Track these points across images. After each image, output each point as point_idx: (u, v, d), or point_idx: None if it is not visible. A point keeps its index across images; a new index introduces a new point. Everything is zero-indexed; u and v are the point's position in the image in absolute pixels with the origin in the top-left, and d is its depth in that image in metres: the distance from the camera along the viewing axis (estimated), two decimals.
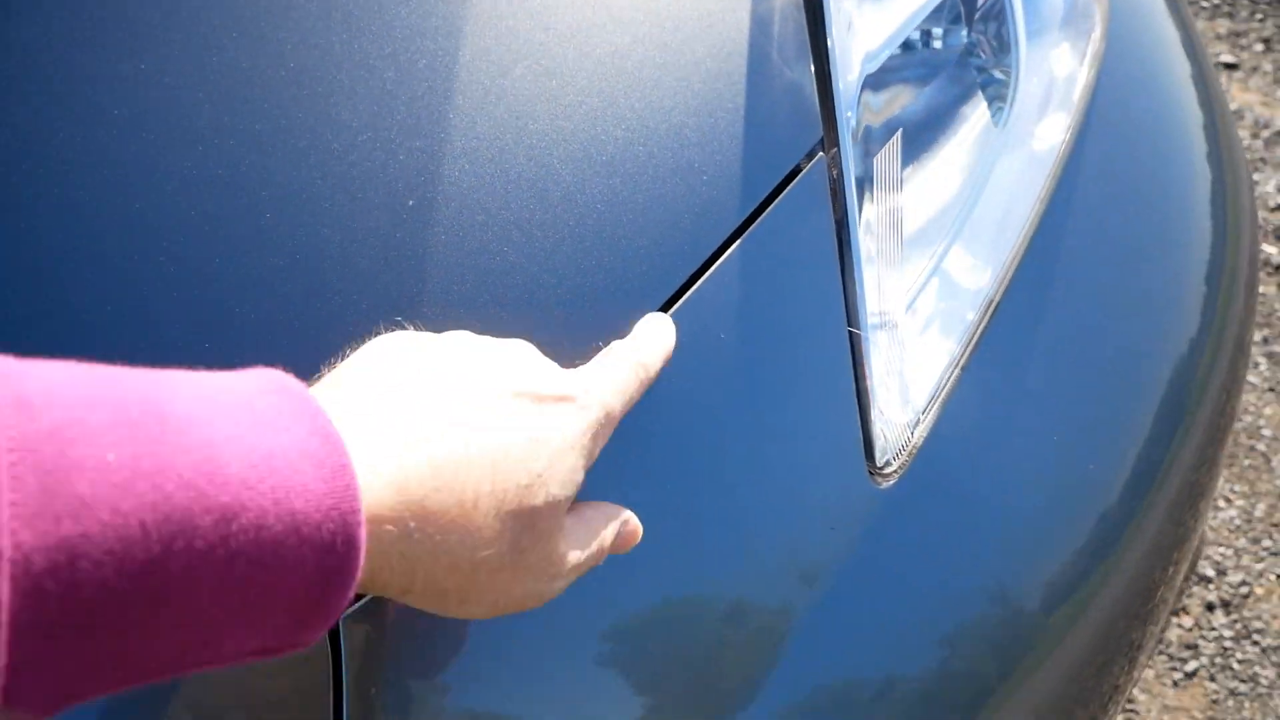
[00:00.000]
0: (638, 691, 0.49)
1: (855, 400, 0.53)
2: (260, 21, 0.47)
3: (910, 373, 0.55)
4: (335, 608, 0.31)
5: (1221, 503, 1.53)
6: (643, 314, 0.48)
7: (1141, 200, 0.67)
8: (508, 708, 0.46)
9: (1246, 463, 1.58)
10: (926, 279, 0.59)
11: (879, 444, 0.53)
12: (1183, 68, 0.75)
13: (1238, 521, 1.51)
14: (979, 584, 0.56)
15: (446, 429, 0.35)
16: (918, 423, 0.54)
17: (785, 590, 0.51)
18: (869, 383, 0.53)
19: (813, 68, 0.56)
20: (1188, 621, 1.41)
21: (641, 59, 0.53)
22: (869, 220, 0.55)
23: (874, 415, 0.53)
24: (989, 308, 0.58)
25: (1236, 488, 1.55)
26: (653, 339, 0.46)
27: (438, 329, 0.44)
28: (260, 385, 0.32)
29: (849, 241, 0.54)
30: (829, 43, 0.56)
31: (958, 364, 0.56)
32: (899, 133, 0.57)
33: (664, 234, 0.51)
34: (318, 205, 0.45)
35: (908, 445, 0.54)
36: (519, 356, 0.41)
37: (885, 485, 0.53)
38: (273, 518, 0.29)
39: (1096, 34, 0.69)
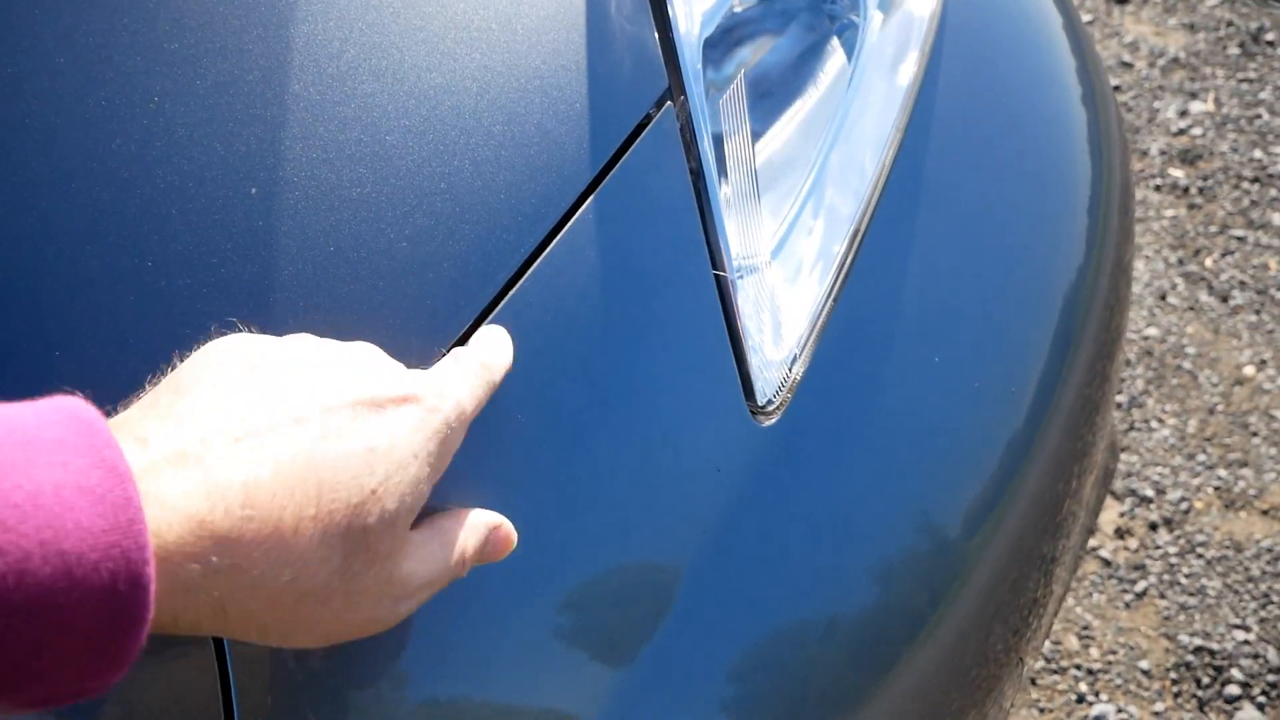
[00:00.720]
0: (545, 661, 0.49)
1: (729, 343, 0.53)
2: (85, 20, 0.46)
3: (783, 310, 0.55)
4: (127, 653, 0.29)
5: (1154, 423, 1.56)
6: (505, 277, 0.48)
7: (1004, 121, 0.68)
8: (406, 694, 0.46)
9: (1174, 382, 1.61)
10: (792, 219, 0.59)
11: (758, 383, 0.53)
12: None
13: (1172, 440, 1.54)
14: (877, 515, 0.56)
15: (268, 447, 0.33)
16: (794, 359, 0.55)
17: (681, 540, 0.51)
18: (740, 323, 0.53)
19: (653, 18, 0.56)
20: (1133, 543, 1.43)
21: (478, 22, 0.53)
22: (725, 165, 0.55)
23: (749, 355, 0.53)
24: (855, 238, 0.58)
25: (1167, 407, 1.58)
26: (494, 344, 0.44)
27: (280, 324, 0.43)
28: (48, 416, 0.30)
29: (705, 188, 0.54)
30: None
31: (830, 296, 0.57)
32: (741, 74, 0.57)
33: (516, 195, 0.50)
34: (152, 199, 0.44)
35: (787, 381, 0.54)
36: (359, 360, 0.38)
37: (768, 423, 0.53)
38: (38, 560, 0.27)
39: None
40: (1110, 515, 1.46)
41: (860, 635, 0.57)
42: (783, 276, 0.57)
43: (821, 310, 0.56)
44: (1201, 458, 1.52)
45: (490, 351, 0.43)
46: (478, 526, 0.41)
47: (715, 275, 0.53)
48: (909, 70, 0.66)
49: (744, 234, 0.56)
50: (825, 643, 0.55)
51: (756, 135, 0.61)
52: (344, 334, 0.43)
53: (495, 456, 0.47)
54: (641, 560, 0.51)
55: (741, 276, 0.55)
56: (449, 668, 0.46)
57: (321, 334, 0.42)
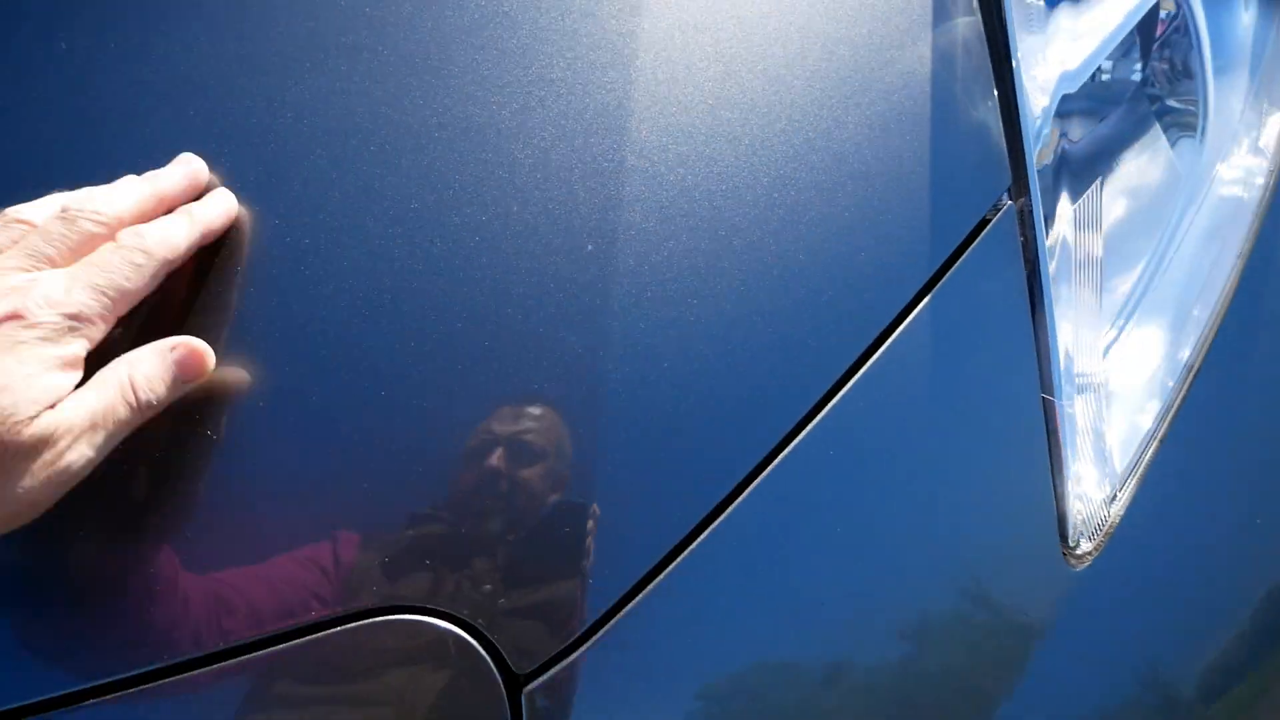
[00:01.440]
0: None
1: (1049, 473, 0.48)
2: None
3: (1108, 443, 0.51)
4: None
5: None
6: (832, 378, 0.45)
7: None
8: None
9: None
10: (1119, 339, 0.54)
11: (1072, 521, 0.48)
12: None
13: None
14: (1185, 679, 0.51)
15: None
16: (1114, 498, 0.50)
17: (982, 674, 0.47)
18: (1063, 453, 0.49)
19: (997, 104, 0.52)
20: None
21: (820, 101, 0.49)
22: (1064, 274, 0.51)
23: (1068, 489, 0.48)
24: (1189, 373, 0.53)
25: None
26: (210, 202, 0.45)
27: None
28: None
29: (1041, 299, 0.50)
30: (1015, 73, 0.52)
31: (1155, 436, 0.52)
32: (1100, 179, 0.53)
33: (853, 292, 0.47)
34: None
35: (1104, 523, 0.49)
36: None
37: (1079, 567, 0.48)
38: None
39: None
40: None
41: None
42: (1109, 399, 0.52)
43: (1146, 449, 0.51)
44: None
45: (203, 208, 0.45)
46: (143, 355, 0.41)
47: (1043, 398, 0.49)
48: (1251, 181, 0.60)
49: (1077, 351, 0.51)
50: None
51: (1093, 229, 0.57)
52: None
53: (808, 547, 0.44)
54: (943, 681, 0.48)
55: (1071, 395, 0.50)
56: None
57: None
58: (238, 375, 0.43)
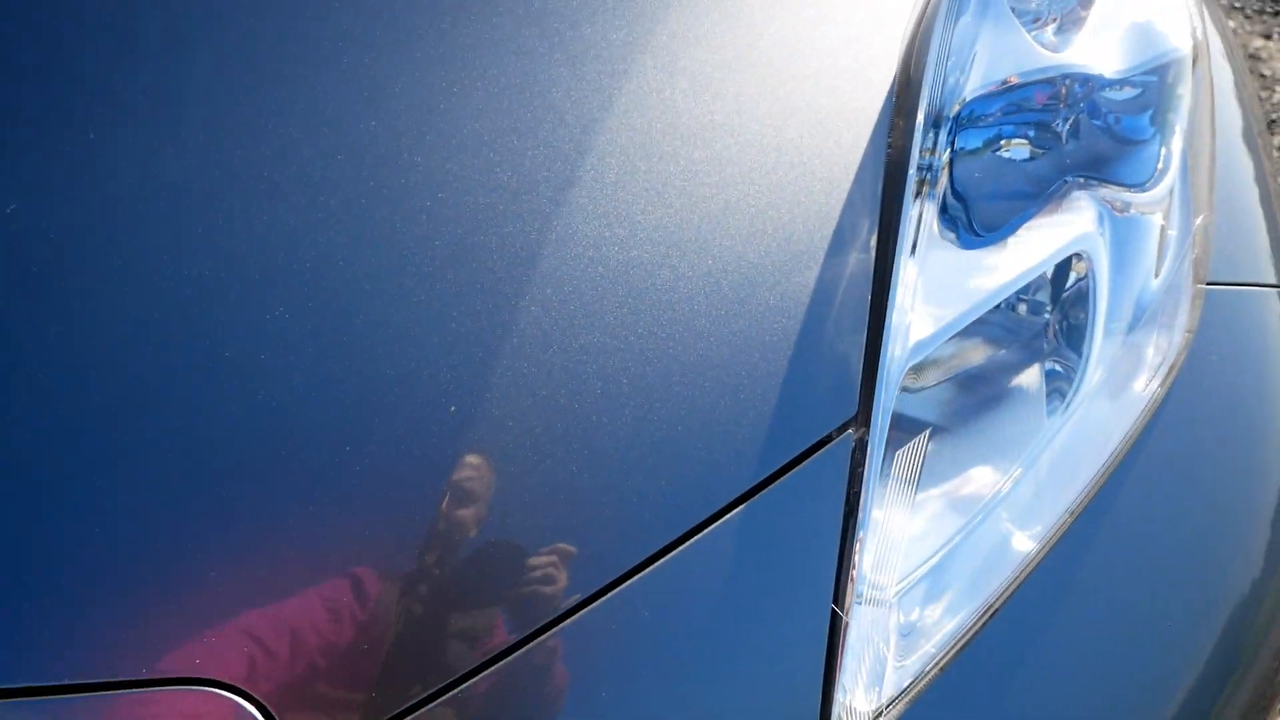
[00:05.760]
0: None
1: (821, 681, 0.54)
2: None
3: (887, 662, 0.56)
4: None
5: None
6: (637, 560, 0.52)
7: (1185, 540, 0.66)
8: None
9: None
10: (931, 564, 0.60)
11: None
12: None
13: None
14: None
15: None
16: (879, 714, 0.55)
17: None
18: (840, 663, 0.54)
19: (864, 345, 0.58)
20: None
21: (699, 309, 0.56)
22: (881, 504, 0.57)
23: (836, 698, 0.54)
24: (985, 614, 0.58)
25: None
26: None
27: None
28: None
29: (856, 519, 0.56)
30: (887, 324, 0.59)
31: (936, 663, 0.57)
32: (927, 432, 0.59)
33: (684, 476, 0.54)
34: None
35: None
36: None
37: None
38: None
39: (1178, 343, 0.68)
40: None
41: None
42: (902, 624, 0.58)
43: (925, 674, 0.57)
44: None
45: None
46: None
47: (832, 609, 0.55)
48: (1107, 441, 0.65)
49: (877, 572, 0.57)
50: None
51: (938, 453, 0.63)
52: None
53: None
54: None
55: (861, 605, 0.56)
56: None
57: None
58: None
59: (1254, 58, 2.97)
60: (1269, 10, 2.96)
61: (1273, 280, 0.77)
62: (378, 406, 0.51)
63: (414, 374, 0.52)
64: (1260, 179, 0.85)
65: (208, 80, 0.58)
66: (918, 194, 0.64)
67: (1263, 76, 2.91)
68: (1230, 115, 0.88)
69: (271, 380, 0.50)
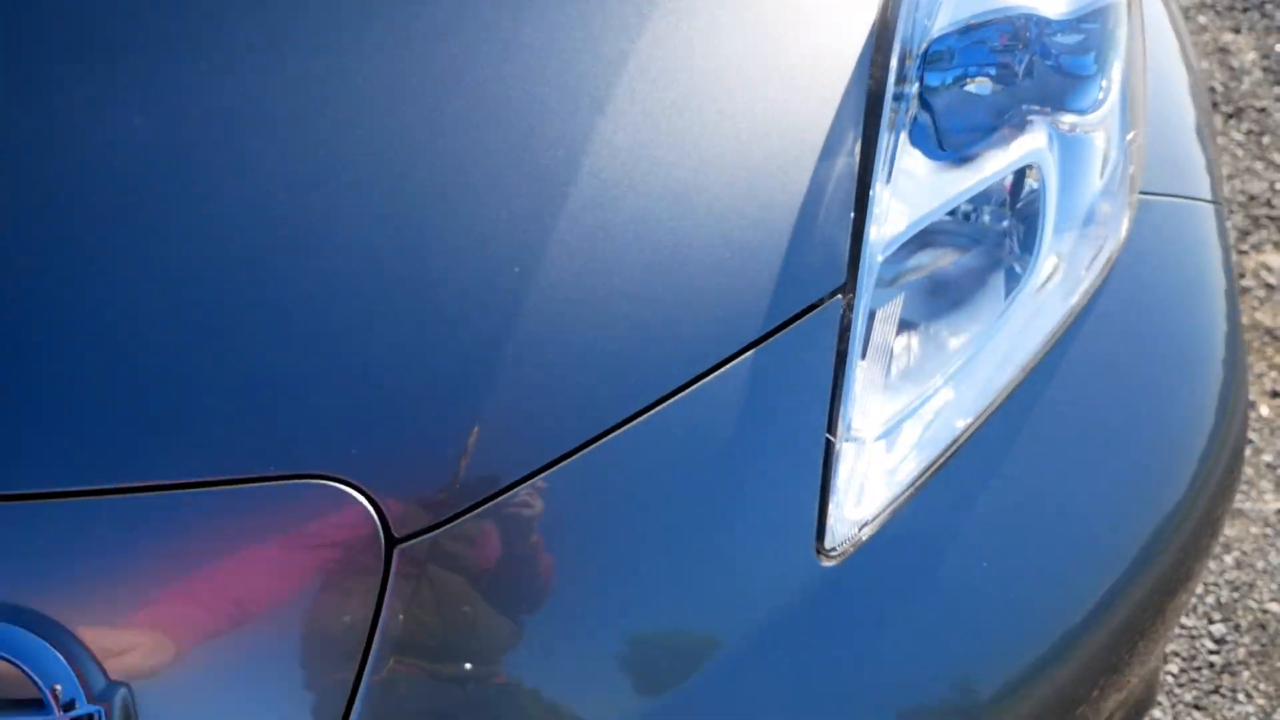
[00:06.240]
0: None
1: (818, 494, 0.66)
2: None
3: (872, 483, 0.68)
4: None
5: (1241, 696, 1.56)
6: (660, 393, 0.64)
7: (1139, 368, 0.79)
8: None
9: (1279, 664, 1.60)
10: (912, 410, 0.72)
11: (829, 532, 0.66)
12: (1206, 289, 0.86)
13: (1253, 717, 1.53)
14: (897, 663, 0.68)
15: None
16: (866, 524, 0.67)
17: (729, 634, 0.65)
18: (833, 482, 0.67)
19: (851, 229, 0.71)
20: None
21: (713, 194, 0.69)
22: (866, 357, 0.69)
23: (830, 508, 0.66)
24: (955, 444, 0.70)
25: (1261, 686, 1.57)
26: None
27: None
28: None
29: (845, 369, 0.68)
30: (868, 212, 0.71)
31: (915, 485, 0.69)
32: (902, 295, 0.71)
33: (704, 326, 0.66)
34: None
35: (853, 538, 0.67)
36: None
37: (828, 564, 0.66)
38: None
39: (1115, 242, 0.81)
40: None
41: None
42: (884, 455, 0.70)
43: (904, 493, 0.69)
44: None
45: None
46: None
47: (826, 438, 0.67)
48: (1054, 316, 0.78)
49: (863, 415, 0.69)
50: None
51: (910, 333, 0.75)
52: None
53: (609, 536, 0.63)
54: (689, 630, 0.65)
55: (848, 442, 0.68)
56: None
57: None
58: None
59: (1223, 50, 3.11)
60: (1238, 7, 3.11)
61: (1207, 197, 0.90)
62: (460, 252, 0.63)
63: (489, 237, 0.64)
64: (1200, 126, 0.98)
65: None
66: (894, 115, 0.77)
67: (1231, 68, 3.05)
68: (1179, 73, 1.02)
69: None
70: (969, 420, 0.71)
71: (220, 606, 0.60)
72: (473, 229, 0.65)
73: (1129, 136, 0.82)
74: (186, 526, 0.59)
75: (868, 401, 0.69)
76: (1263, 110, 2.89)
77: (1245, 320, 2.26)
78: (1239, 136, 2.84)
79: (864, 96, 0.77)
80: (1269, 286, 2.36)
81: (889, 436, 0.71)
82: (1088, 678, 0.76)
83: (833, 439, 0.67)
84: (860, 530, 0.67)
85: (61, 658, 0.59)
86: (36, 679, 0.58)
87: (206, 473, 0.60)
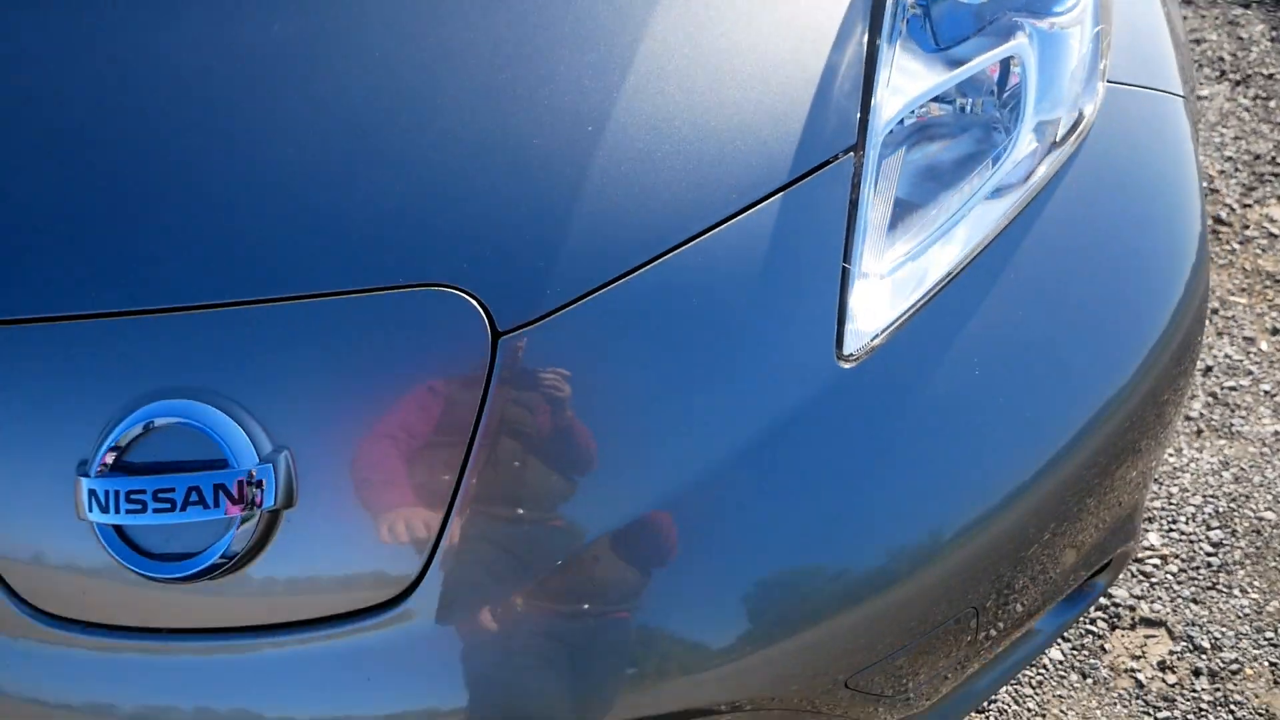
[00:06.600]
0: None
1: (836, 312, 0.81)
2: None
3: (881, 307, 0.83)
4: None
5: (1236, 591, 1.68)
6: (701, 226, 0.79)
7: (1111, 229, 0.93)
8: None
9: (1273, 564, 1.72)
10: (914, 253, 0.86)
11: (847, 341, 0.81)
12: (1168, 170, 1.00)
13: (1247, 610, 1.66)
14: (905, 445, 0.82)
15: None
16: (877, 335, 0.82)
17: (759, 417, 0.80)
18: (849, 301, 0.81)
19: (860, 101, 0.86)
20: (1171, 679, 1.57)
21: (746, 72, 0.84)
22: (872, 205, 0.84)
23: (847, 323, 0.81)
24: (947, 279, 0.85)
25: (1256, 583, 1.69)
26: None
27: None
28: None
29: (857, 214, 0.83)
30: (874, 87, 0.86)
31: (915, 308, 0.84)
32: (903, 150, 0.86)
33: (734, 174, 0.81)
34: None
35: (867, 347, 0.82)
36: None
37: (847, 366, 0.81)
38: None
39: (1087, 122, 0.95)
40: (1159, 649, 1.60)
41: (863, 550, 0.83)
42: (891, 288, 0.85)
43: (907, 313, 0.84)
44: (1270, 635, 1.63)
45: None
46: None
47: (844, 267, 0.82)
48: (1033, 182, 0.92)
49: (873, 254, 0.84)
50: (827, 544, 0.82)
51: (914, 201, 0.90)
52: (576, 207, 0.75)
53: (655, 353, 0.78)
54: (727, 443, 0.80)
55: (860, 277, 0.83)
56: None
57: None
58: None
59: (1233, 24, 3.23)
60: None
61: (1174, 90, 1.04)
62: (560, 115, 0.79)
63: (566, 104, 0.80)
64: (1173, 31, 1.12)
65: None
66: (894, 14, 0.92)
67: (1240, 39, 3.17)
68: None
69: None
70: (959, 261, 0.86)
71: (361, 390, 0.75)
72: (552, 98, 0.81)
73: (1098, 29, 0.96)
74: (335, 326, 0.75)
75: (875, 241, 0.84)
76: (1270, 77, 3.01)
77: (1249, 266, 2.38)
78: (1245, 102, 2.97)
79: (869, 3, 0.92)
80: (1271, 236, 2.48)
81: (895, 270, 0.85)
82: (1039, 521, 0.89)
83: (848, 266, 0.82)
84: (873, 340, 0.82)
85: (238, 427, 0.75)
86: (220, 442, 0.74)
87: (349, 284, 0.76)
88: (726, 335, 0.78)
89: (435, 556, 0.76)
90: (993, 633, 0.97)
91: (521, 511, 0.76)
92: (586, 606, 0.77)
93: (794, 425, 0.78)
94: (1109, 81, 0.98)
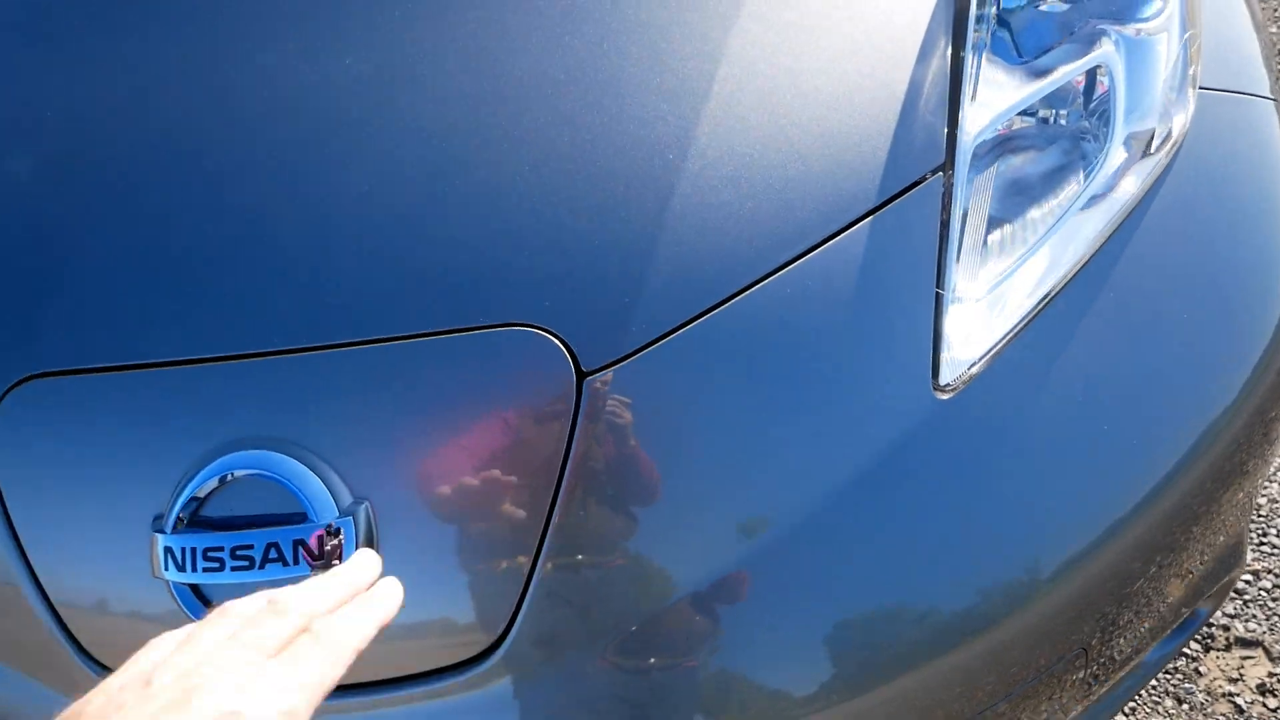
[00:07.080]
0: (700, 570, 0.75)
1: (932, 340, 0.77)
2: None
3: (978, 333, 0.79)
4: None
5: None
6: (796, 252, 0.76)
7: (1208, 254, 0.88)
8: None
9: None
10: (1008, 274, 0.82)
11: (944, 370, 0.77)
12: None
13: None
14: (1005, 478, 0.78)
15: None
16: (974, 364, 0.78)
17: (861, 455, 0.76)
18: (944, 327, 0.77)
19: (947, 119, 0.82)
20: (1273, 703, 1.50)
21: (829, 93, 0.81)
22: (966, 225, 0.80)
23: (943, 351, 0.77)
24: (1045, 301, 0.81)
25: None
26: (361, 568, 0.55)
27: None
28: None
29: (948, 235, 0.79)
30: (961, 103, 0.82)
31: (1012, 334, 0.80)
32: (994, 167, 0.82)
33: (821, 200, 0.78)
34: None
35: (965, 375, 0.78)
36: None
37: (944, 397, 0.77)
38: None
39: (1179, 131, 0.91)
40: (1258, 670, 1.53)
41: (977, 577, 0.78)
42: (986, 311, 0.80)
43: (1003, 341, 0.79)
44: None
45: (381, 597, 0.54)
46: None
47: (937, 292, 0.78)
48: (1126, 195, 0.88)
49: (966, 276, 0.80)
50: (939, 566, 0.78)
51: (1003, 218, 0.86)
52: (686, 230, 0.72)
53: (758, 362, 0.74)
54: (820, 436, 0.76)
55: (954, 302, 0.79)
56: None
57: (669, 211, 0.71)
58: None
59: None
60: None
61: (1270, 95, 0.99)
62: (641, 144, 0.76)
63: (645, 134, 0.77)
64: (1257, 24, 1.07)
65: None
66: (977, 33, 0.88)
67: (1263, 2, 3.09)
68: None
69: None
70: (1057, 281, 0.81)
71: (441, 436, 0.72)
72: (631, 129, 0.78)
73: (1186, 35, 0.92)
74: (416, 369, 0.73)
75: (969, 263, 0.80)
76: None
77: None
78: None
79: (951, 15, 0.88)
80: None
81: (990, 294, 0.81)
82: (1144, 554, 0.84)
83: (941, 291, 0.78)
84: (970, 368, 0.78)
85: (317, 479, 0.72)
86: (299, 494, 0.72)
87: (428, 326, 0.73)
88: (817, 369, 0.75)
89: (520, 611, 0.72)
90: (1099, 673, 0.92)
91: (607, 559, 0.73)
92: (671, 658, 0.73)
93: (891, 461, 0.74)
94: (1200, 88, 0.93)
